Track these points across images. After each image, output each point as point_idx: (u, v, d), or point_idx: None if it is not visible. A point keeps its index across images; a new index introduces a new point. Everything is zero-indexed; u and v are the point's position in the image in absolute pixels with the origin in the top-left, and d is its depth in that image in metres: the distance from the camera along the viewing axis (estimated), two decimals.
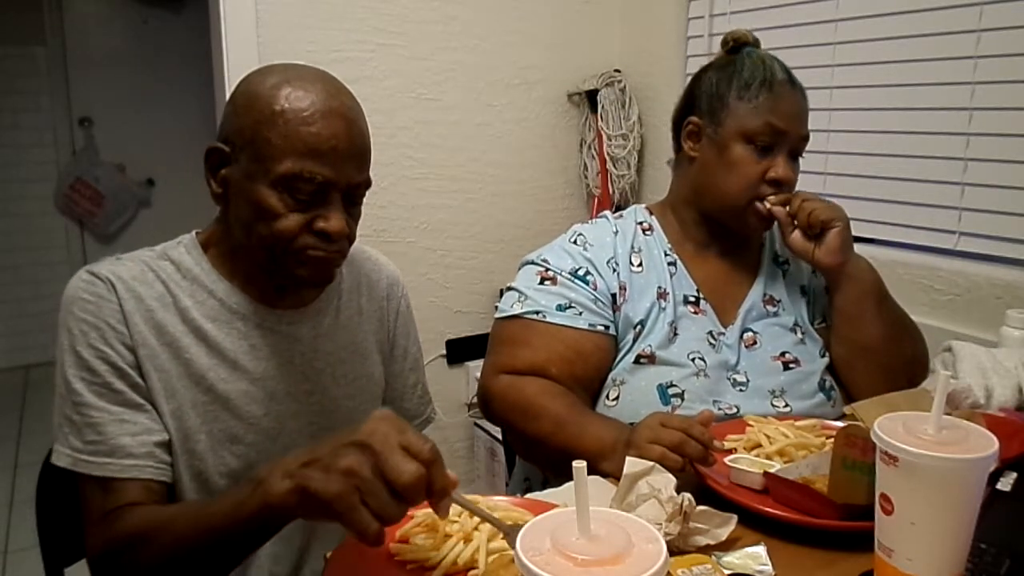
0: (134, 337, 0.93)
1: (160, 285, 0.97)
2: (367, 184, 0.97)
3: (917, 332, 1.31)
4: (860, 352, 1.26)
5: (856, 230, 1.92)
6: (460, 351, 2.53)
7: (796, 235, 1.24)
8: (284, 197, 0.91)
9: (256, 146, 0.91)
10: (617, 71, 2.53)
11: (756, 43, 1.30)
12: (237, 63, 2.07)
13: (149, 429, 0.93)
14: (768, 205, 1.22)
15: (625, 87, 2.50)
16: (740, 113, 1.22)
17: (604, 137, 2.52)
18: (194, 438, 0.96)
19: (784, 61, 1.27)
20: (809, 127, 1.27)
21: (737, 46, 1.29)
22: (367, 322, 1.13)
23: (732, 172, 1.23)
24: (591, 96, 2.55)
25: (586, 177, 2.61)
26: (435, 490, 0.70)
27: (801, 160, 1.28)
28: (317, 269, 0.96)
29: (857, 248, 1.66)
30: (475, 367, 2.47)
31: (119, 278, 0.95)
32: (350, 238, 0.97)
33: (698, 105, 1.29)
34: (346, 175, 0.93)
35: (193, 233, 1.04)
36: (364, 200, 1.00)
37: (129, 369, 0.93)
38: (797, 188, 1.27)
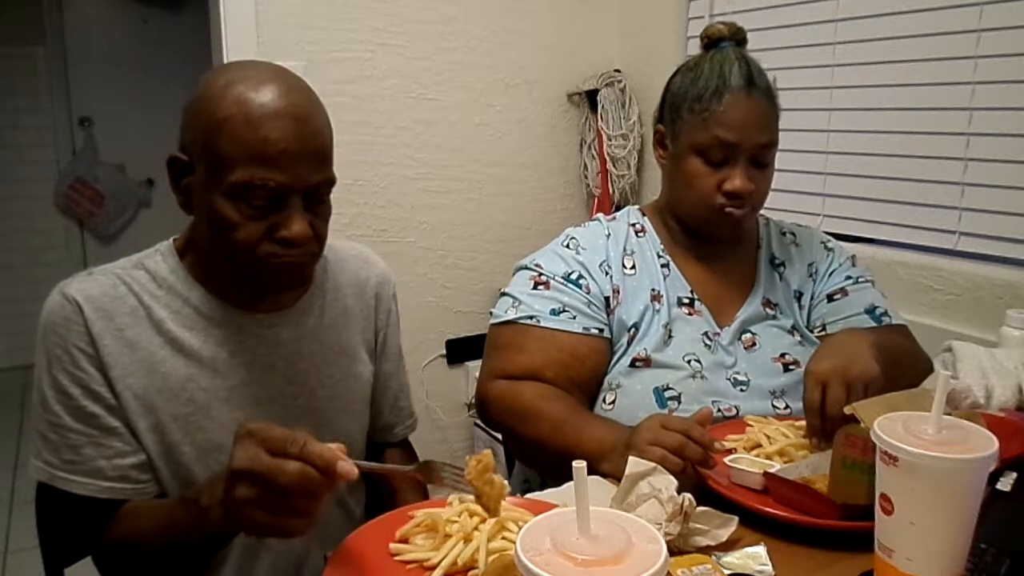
0: (104, 359, 0.93)
1: (132, 298, 0.96)
2: (329, 182, 0.94)
3: (916, 356, 1.27)
4: None
5: (856, 230, 1.94)
6: (460, 351, 2.53)
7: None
8: (240, 206, 0.88)
9: (208, 155, 0.89)
10: (617, 71, 2.53)
11: (735, 35, 1.26)
12: None
13: (122, 453, 0.94)
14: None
15: (625, 87, 2.50)
16: (692, 126, 1.21)
17: (604, 137, 2.52)
18: (178, 450, 0.96)
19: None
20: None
21: (712, 43, 1.26)
22: (354, 322, 1.11)
23: (688, 185, 1.23)
24: (591, 96, 2.55)
25: (586, 177, 2.61)
26: (324, 467, 0.71)
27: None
28: (287, 275, 0.94)
29: (857, 248, 1.66)
30: (475, 367, 2.46)
31: (87, 297, 0.94)
32: (319, 238, 0.95)
33: (664, 113, 1.29)
34: (301, 177, 0.89)
35: (171, 240, 1.02)
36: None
37: (102, 390, 0.93)
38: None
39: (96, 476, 0.93)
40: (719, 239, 1.29)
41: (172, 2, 4.31)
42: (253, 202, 0.88)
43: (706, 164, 1.20)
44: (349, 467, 0.73)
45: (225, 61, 2.08)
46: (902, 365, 1.22)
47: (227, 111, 0.87)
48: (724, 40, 1.25)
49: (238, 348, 0.99)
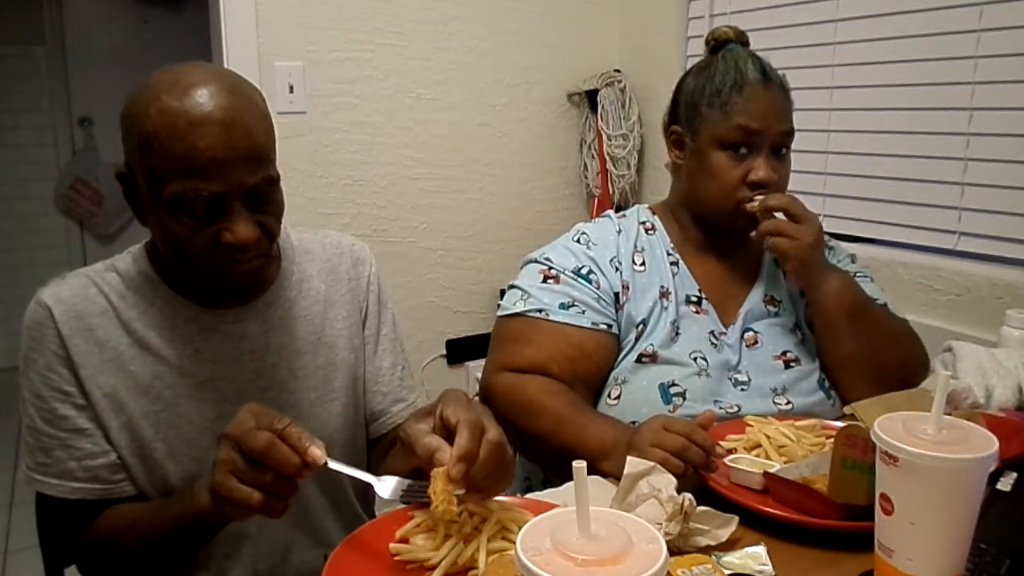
0: (74, 358, 0.94)
1: (102, 299, 0.97)
2: (270, 180, 0.91)
3: (907, 335, 1.29)
4: (840, 365, 1.25)
5: (856, 230, 1.94)
6: (460, 351, 2.53)
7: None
8: (181, 218, 0.87)
9: (143, 171, 0.88)
10: (617, 71, 2.53)
11: (739, 38, 1.29)
12: (237, 63, 2.07)
13: (92, 454, 0.95)
14: (752, 208, 1.22)
15: (625, 87, 2.50)
16: (713, 120, 1.23)
17: (604, 137, 2.52)
18: (150, 447, 0.97)
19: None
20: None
21: (718, 45, 1.29)
22: (332, 308, 1.09)
23: (712, 179, 1.24)
24: (591, 96, 2.55)
25: (586, 177, 2.61)
26: (295, 445, 0.77)
27: (792, 156, 1.28)
28: (242, 278, 0.94)
29: (857, 248, 1.67)
30: (475, 367, 2.47)
31: (58, 300, 0.96)
32: (269, 236, 0.93)
33: (679, 114, 1.30)
34: (236, 181, 0.87)
35: (143, 242, 1.03)
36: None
37: (73, 390, 0.95)
38: (793, 183, 1.26)
39: (66, 478, 0.95)
40: (737, 234, 1.28)
41: (172, 2, 4.32)
42: (193, 213, 0.87)
43: (730, 157, 1.22)
44: (319, 453, 0.78)
45: (225, 61, 2.08)
46: (888, 329, 1.26)
47: (152, 124, 0.85)
48: (731, 42, 1.28)
49: (203, 345, 0.99)
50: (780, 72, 1.28)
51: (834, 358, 1.26)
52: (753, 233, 1.22)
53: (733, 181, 1.22)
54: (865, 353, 1.23)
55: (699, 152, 1.25)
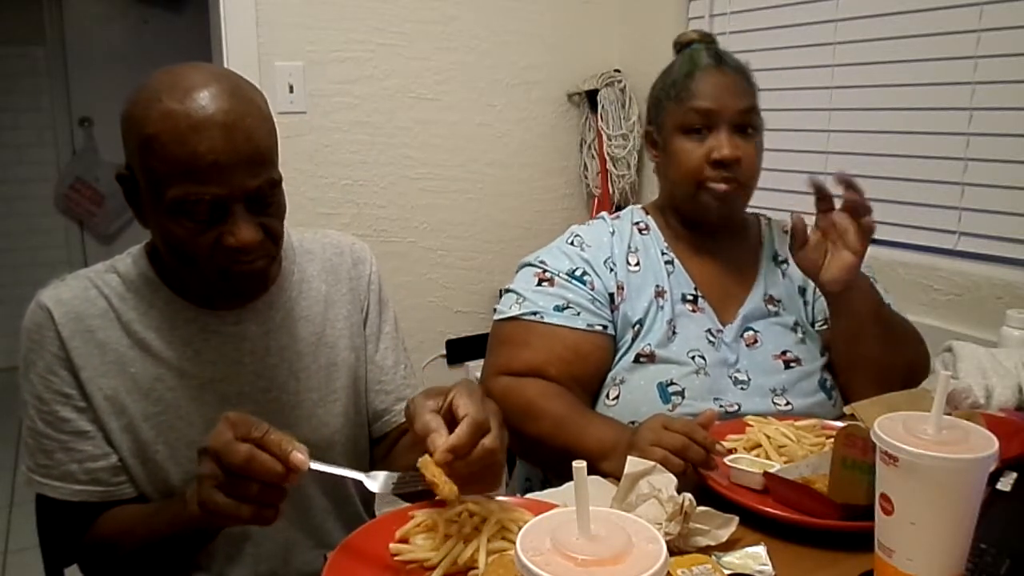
0: (75, 360, 0.94)
1: (103, 301, 0.97)
2: (272, 183, 0.90)
3: (915, 336, 1.29)
4: (859, 365, 1.24)
5: None
6: (460, 351, 2.53)
7: (805, 252, 1.17)
8: (182, 221, 0.87)
9: (143, 173, 0.88)
10: (617, 71, 2.54)
11: (705, 39, 1.31)
12: (237, 63, 2.07)
13: (93, 456, 0.95)
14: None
15: (625, 87, 2.50)
16: (671, 110, 1.27)
17: (604, 137, 2.52)
18: (151, 449, 0.97)
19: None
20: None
21: (684, 47, 1.32)
22: (333, 308, 1.09)
23: (677, 165, 1.26)
24: (591, 96, 2.55)
25: (586, 177, 2.61)
26: (277, 453, 0.75)
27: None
28: (246, 281, 0.94)
29: None
30: (475, 367, 2.47)
31: (58, 302, 0.95)
32: (273, 237, 0.93)
33: (650, 114, 1.34)
34: (238, 185, 0.86)
35: (143, 243, 1.02)
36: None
37: (73, 392, 0.95)
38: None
39: (68, 480, 0.95)
40: (710, 221, 1.28)
41: (172, 2, 4.32)
42: (194, 216, 0.87)
43: (691, 140, 1.24)
44: (302, 458, 0.75)
45: (225, 61, 2.08)
46: (902, 330, 1.26)
47: (154, 127, 0.84)
48: (695, 43, 1.31)
49: (204, 347, 0.99)
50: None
51: (852, 359, 1.24)
52: (840, 209, 1.14)
53: (695, 160, 1.23)
54: (882, 354, 1.22)
55: (665, 144, 1.28)
